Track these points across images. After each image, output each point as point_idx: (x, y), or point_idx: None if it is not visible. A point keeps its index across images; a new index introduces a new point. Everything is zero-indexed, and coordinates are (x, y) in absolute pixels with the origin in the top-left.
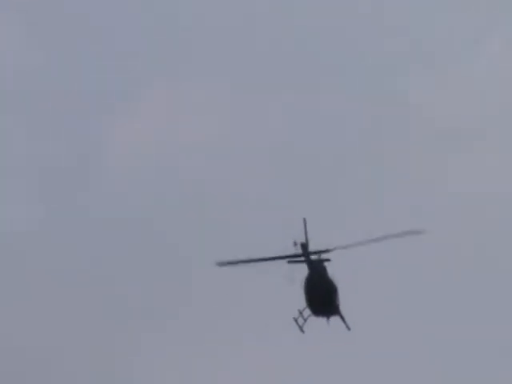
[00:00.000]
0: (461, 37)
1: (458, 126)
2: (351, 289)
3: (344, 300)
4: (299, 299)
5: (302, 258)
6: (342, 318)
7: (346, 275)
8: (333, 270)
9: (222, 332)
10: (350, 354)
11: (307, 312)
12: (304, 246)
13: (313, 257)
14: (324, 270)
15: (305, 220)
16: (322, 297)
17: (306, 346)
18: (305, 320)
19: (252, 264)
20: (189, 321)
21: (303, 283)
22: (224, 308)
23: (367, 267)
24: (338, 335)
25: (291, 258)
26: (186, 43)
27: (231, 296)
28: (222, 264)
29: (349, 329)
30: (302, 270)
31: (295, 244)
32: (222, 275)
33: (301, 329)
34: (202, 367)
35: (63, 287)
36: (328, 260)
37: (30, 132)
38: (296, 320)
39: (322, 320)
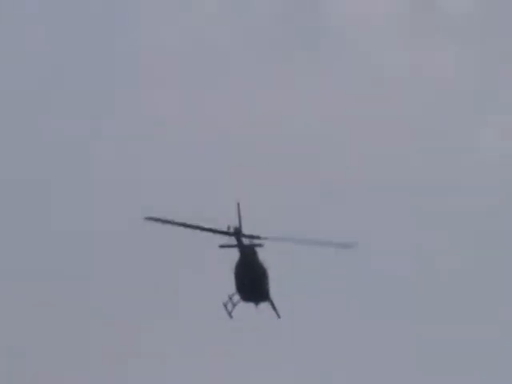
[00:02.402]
0: None
1: None
2: (283, 277)
3: (274, 288)
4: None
5: (234, 242)
6: (272, 304)
7: (277, 264)
8: (264, 257)
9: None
10: (277, 342)
11: (237, 297)
12: (237, 230)
13: (245, 241)
14: (254, 254)
15: (238, 205)
16: (251, 282)
17: (233, 333)
18: (234, 305)
19: (183, 227)
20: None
21: (234, 268)
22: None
23: (299, 260)
24: (267, 323)
25: (223, 237)
26: None
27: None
28: (151, 219)
29: (279, 317)
30: (234, 255)
31: (229, 228)
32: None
33: (229, 314)
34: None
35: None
36: (260, 245)
37: None
38: (225, 305)
39: (251, 306)
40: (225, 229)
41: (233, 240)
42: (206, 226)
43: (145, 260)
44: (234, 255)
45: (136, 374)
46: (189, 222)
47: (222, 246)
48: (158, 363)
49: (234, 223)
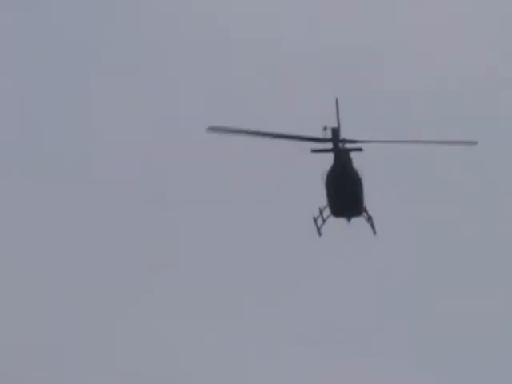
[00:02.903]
0: None
1: None
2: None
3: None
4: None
5: (330, 145)
6: (369, 218)
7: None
8: (361, 164)
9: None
10: (373, 261)
11: (327, 211)
12: (335, 131)
13: (342, 146)
14: (350, 161)
15: (337, 101)
16: (345, 192)
17: (323, 252)
18: (324, 220)
19: (259, 138)
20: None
21: (325, 176)
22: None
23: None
24: (362, 240)
25: (316, 143)
26: None
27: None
28: (215, 130)
29: (375, 233)
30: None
31: (325, 129)
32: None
33: (319, 230)
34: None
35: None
36: (359, 150)
37: None
38: (315, 220)
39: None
40: (313, 134)
41: (328, 144)
42: (292, 133)
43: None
44: (325, 163)
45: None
46: (266, 131)
47: (314, 151)
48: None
49: (330, 123)
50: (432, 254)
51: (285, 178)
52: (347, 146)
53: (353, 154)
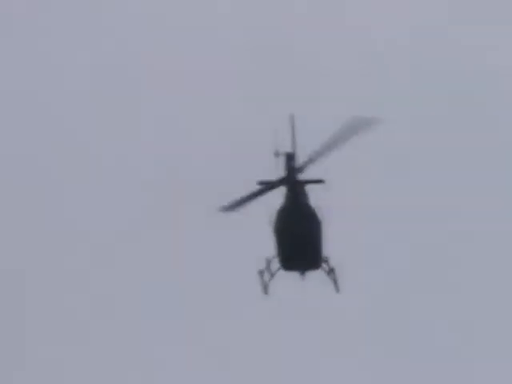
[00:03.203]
0: None
1: None
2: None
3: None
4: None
5: (283, 177)
6: (332, 272)
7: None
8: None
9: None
10: (334, 328)
11: (276, 263)
12: (289, 157)
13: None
14: (307, 197)
15: (292, 118)
16: (298, 239)
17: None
18: (272, 275)
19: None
20: None
21: (275, 217)
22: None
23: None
24: (319, 300)
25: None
26: None
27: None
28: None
29: (337, 290)
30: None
31: (277, 154)
32: None
33: (265, 288)
34: None
35: None
36: (320, 182)
37: None
38: (261, 274)
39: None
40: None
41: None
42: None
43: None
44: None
45: None
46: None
47: (261, 183)
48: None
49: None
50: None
51: (222, 221)
52: (304, 177)
53: (310, 188)
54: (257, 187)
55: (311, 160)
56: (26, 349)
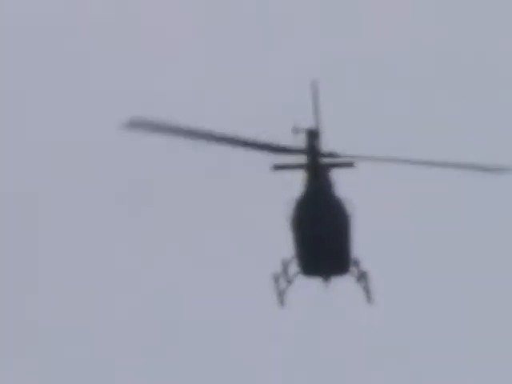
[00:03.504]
0: None
1: None
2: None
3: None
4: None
5: (304, 157)
6: (363, 278)
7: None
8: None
9: None
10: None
11: (295, 267)
12: (312, 134)
13: (322, 158)
14: (332, 185)
15: (315, 84)
16: (322, 237)
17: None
18: (289, 282)
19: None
20: None
21: (293, 210)
22: None
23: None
24: (348, 312)
25: (282, 153)
26: None
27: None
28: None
29: (370, 301)
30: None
31: (296, 130)
32: None
33: (280, 297)
34: None
35: None
36: (350, 165)
37: None
38: (276, 280)
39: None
40: (284, 141)
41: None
42: (247, 137)
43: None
44: (292, 190)
45: None
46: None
47: (277, 168)
48: None
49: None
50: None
51: (230, 213)
52: (329, 159)
53: (338, 174)
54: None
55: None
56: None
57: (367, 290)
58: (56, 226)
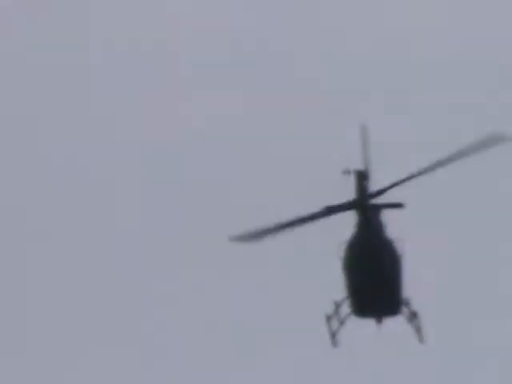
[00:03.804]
0: None
1: None
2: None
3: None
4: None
5: (355, 200)
6: (414, 318)
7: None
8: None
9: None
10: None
11: (347, 307)
12: (362, 175)
13: (372, 200)
14: (383, 226)
15: (364, 128)
16: (374, 277)
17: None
18: (342, 322)
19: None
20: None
21: (345, 251)
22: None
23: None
24: (400, 352)
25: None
26: None
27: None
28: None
29: (422, 341)
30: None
31: (347, 172)
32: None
33: (333, 338)
34: None
35: None
36: (399, 206)
37: None
38: (329, 320)
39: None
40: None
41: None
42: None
43: None
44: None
45: None
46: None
47: (329, 209)
48: None
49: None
50: None
51: (280, 257)
52: (379, 201)
53: (388, 215)
54: (321, 210)
55: (396, 183)
56: None
57: (418, 330)
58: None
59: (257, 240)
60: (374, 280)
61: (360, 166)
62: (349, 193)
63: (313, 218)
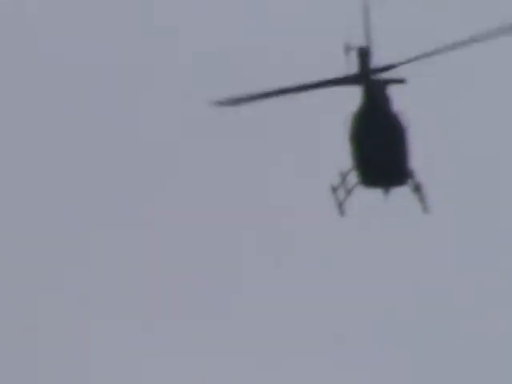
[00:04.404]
0: None
1: None
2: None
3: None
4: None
5: (357, 74)
6: (419, 189)
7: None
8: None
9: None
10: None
11: (353, 177)
12: (364, 51)
13: (374, 74)
14: (388, 100)
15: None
16: (380, 148)
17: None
18: (348, 192)
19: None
20: None
21: (350, 122)
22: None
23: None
24: (406, 221)
25: (339, 84)
26: None
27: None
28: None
29: (426, 211)
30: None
31: (348, 49)
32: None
33: (340, 207)
34: None
35: None
36: (402, 81)
37: None
38: (335, 190)
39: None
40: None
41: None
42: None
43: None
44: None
45: None
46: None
47: (333, 189)
48: None
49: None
50: None
51: (287, 127)
52: (384, 75)
53: (393, 89)
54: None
55: (404, 62)
56: None
57: (423, 200)
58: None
59: (247, 103)
60: (380, 149)
61: (362, 43)
62: (351, 69)
63: (315, 86)
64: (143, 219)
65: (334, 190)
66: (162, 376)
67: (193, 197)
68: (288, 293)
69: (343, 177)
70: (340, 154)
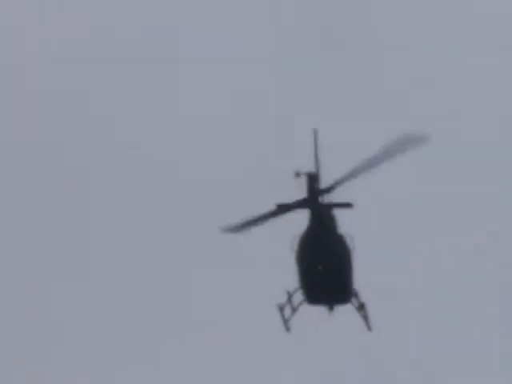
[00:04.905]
0: None
1: None
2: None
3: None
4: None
5: (306, 198)
6: (362, 307)
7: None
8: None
9: None
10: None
11: (299, 297)
12: (312, 177)
13: (322, 199)
14: (333, 221)
15: (316, 132)
16: (325, 269)
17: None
18: (294, 310)
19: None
20: None
21: (297, 244)
22: None
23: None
24: (349, 338)
25: (289, 211)
26: None
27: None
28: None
29: (369, 329)
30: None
31: (298, 174)
32: None
33: (286, 324)
34: None
35: None
36: (348, 205)
37: None
38: (281, 309)
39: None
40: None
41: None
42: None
43: None
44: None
45: None
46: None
47: (280, 208)
48: None
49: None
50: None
51: (236, 247)
52: (330, 199)
53: (339, 213)
54: (273, 209)
55: (341, 180)
56: None
57: (366, 319)
58: None
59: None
60: (326, 269)
61: (311, 169)
62: (300, 193)
63: (265, 217)
64: None
65: (281, 308)
66: None
67: None
68: None
69: (290, 294)
70: (286, 275)
